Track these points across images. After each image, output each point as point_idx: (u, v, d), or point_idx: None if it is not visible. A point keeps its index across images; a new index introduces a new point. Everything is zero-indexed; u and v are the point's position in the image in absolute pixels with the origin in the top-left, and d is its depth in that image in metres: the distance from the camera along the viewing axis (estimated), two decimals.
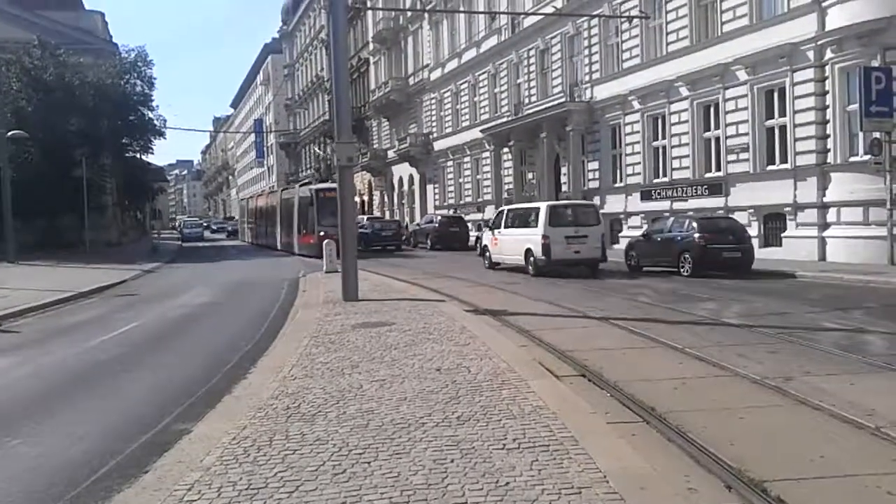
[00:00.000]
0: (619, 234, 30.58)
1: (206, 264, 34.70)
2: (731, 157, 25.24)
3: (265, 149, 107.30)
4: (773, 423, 6.62)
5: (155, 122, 45.99)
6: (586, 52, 33.30)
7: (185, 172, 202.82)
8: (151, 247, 45.63)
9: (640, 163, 30.08)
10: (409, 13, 51.21)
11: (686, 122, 27.30)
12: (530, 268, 21.88)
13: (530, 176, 38.90)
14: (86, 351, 12.28)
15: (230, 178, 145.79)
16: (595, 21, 31.94)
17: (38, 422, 7.87)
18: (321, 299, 16.12)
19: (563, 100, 34.28)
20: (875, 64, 20.00)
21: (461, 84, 45.93)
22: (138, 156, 50.36)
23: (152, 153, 54.09)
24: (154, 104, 45.86)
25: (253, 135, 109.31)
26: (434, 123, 50.03)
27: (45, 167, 36.24)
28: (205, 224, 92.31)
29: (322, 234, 30.09)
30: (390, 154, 57.13)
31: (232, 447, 5.92)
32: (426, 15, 48.68)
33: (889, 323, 11.93)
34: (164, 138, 58.84)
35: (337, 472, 5.26)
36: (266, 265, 32.46)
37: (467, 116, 45.44)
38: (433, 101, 49.89)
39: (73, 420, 7.94)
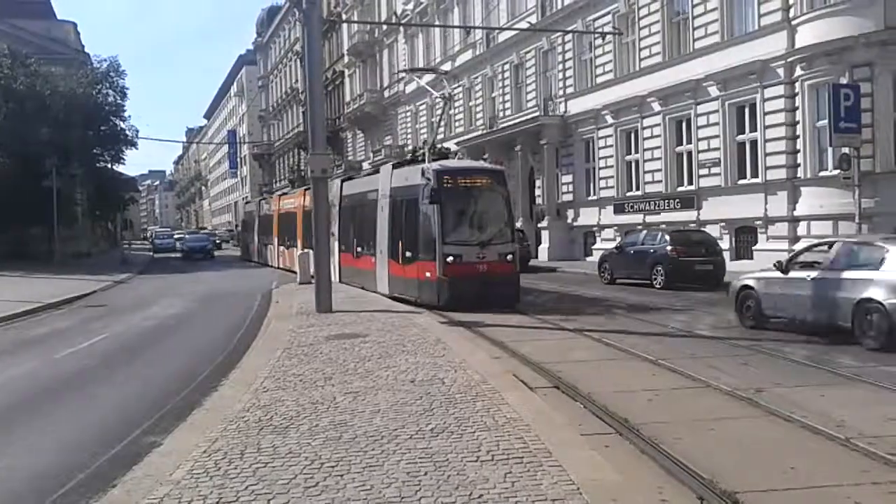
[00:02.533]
0: (593, 247, 30.73)
1: (177, 275, 34.34)
2: (703, 172, 25.50)
3: (239, 160, 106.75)
4: (745, 434, 6.67)
5: (127, 132, 45.53)
6: (560, 66, 33.54)
7: (157, 183, 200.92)
8: (122, 257, 45.09)
9: (613, 176, 30.31)
10: (384, 27, 51.31)
11: (658, 136, 27.56)
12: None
13: None
14: (53, 363, 12.09)
15: (203, 188, 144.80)
16: (569, 37, 32.21)
17: (3, 434, 7.73)
18: (294, 311, 16.00)
19: (537, 114, 34.48)
20: (843, 81, 20.32)
21: (436, 97, 46.02)
22: (110, 166, 49.78)
23: (124, 163, 53.55)
24: (126, 114, 45.45)
25: (226, 146, 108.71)
26: (409, 136, 50.07)
27: (14, 177, 35.72)
28: (180, 235, 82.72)
29: (451, 259, 16.32)
30: (365, 166, 57.04)
31: (202, 460, 5.84)
32: (401, 29, 48.79)
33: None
34: (136, 148, 58.08)
35: (309, 485, 5.21)
36: (238, 276, 32.22)
37: (442, 129, 45.52)
38: (408, 113, 49.96)
39: (40, 433, 7.80)
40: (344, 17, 54.91)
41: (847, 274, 11.48)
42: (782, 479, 5.51)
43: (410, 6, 47.12)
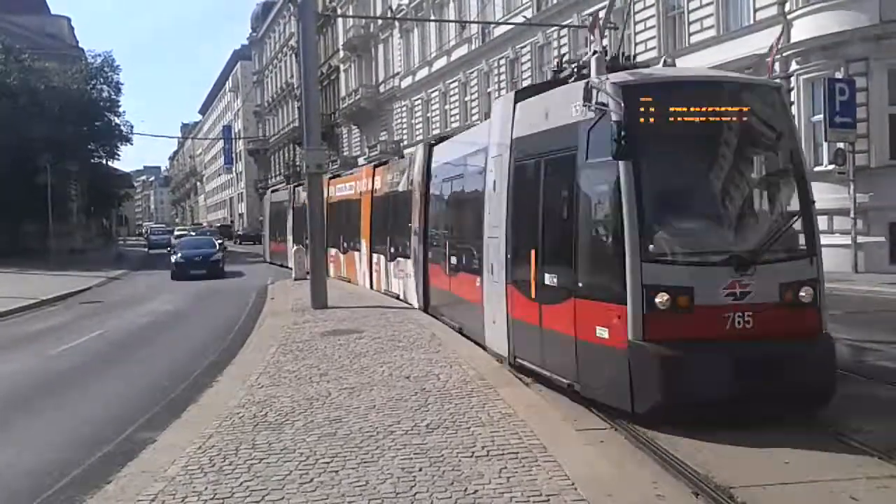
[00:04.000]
0: None
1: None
2: None
3: (234, 155, 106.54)
4: (740, 429, 6.66)
5: (121, 127, 45.53)
6: (556, 61, 33.48)
7: (152, 179, 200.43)
8: (117, 254, 44.94)
9: None
10: (379, 21, 51.21)
11: None
12: None
13: None
14: (48, 359, 12.07)
15: (198, 184, 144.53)
16: (564, 31, 32.15)
17: None
18: (290, 307, 15.97)
19: None
20: (839, 76, 20.30)
21: (432, 92, 45.97)
22: (104, 162, 49.67)
23: (119, 159, 53.33)
24: (121, 110, 45.43)
25: (221, 141, 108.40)
26: (405, 131, 50.00)
27: (9, 173, 35.53)
28: (181, 232, 59.30)
29: (664, 298, 6.51)
30: (361, 161, 56.96)
31: (197, 456, 5.83)
32: (397, 23, 48.69)
33: (852, 330, 12.08)
34: (131, 144, 58.00)
35: (304, 481, 5.21)
36: (234, 273, 32.11)
37: (438, 124, 45.45)
38: (404, 108, 49.87)
39: (34, 430, 7.79)
40: (339, 11, 54.76)
41: None
42: (777, 473, 5.51)
43: (406, 0, 47.04)
